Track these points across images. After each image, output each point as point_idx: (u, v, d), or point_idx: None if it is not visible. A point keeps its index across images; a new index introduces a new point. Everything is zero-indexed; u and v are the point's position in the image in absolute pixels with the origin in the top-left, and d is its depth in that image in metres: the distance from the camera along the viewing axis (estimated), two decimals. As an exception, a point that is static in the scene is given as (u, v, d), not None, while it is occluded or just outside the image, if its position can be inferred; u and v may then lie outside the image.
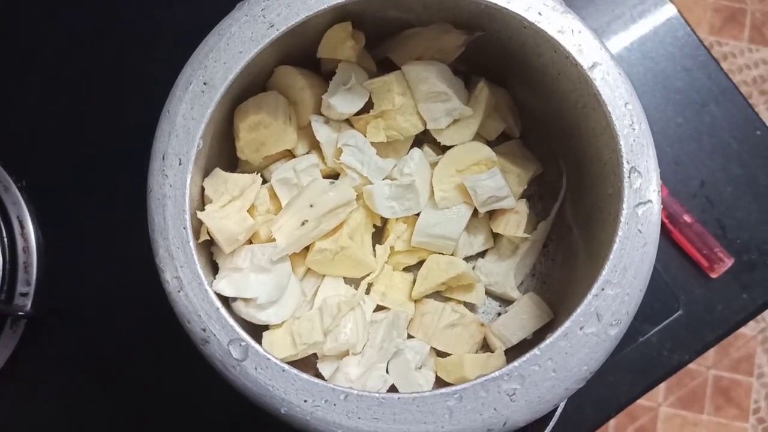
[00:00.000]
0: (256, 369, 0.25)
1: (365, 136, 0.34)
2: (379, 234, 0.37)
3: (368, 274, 0.34)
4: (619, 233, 0.26)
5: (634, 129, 0.27)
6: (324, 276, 0.35)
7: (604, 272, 0.26)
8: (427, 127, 0.34)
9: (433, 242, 0.35)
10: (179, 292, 0.25)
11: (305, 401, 0.24)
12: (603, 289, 0.26)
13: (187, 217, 0.26)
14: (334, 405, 0.24)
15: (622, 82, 0.27)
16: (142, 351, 0.41)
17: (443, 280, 0.34)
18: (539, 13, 0.28)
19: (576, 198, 0.35)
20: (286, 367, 0.25)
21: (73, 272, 0.42)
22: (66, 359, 0.42)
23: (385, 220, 0.36)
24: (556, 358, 0.25)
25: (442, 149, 0.35)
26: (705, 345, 0.45)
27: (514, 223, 0.34)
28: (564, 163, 0.36)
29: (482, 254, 0.37)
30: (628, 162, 0.27)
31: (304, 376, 0.25)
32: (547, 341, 0.25)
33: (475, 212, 0.35)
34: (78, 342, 0.42)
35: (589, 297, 0.25)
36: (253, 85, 0.33)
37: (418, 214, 0.35)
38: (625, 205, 0.26)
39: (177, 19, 0.45)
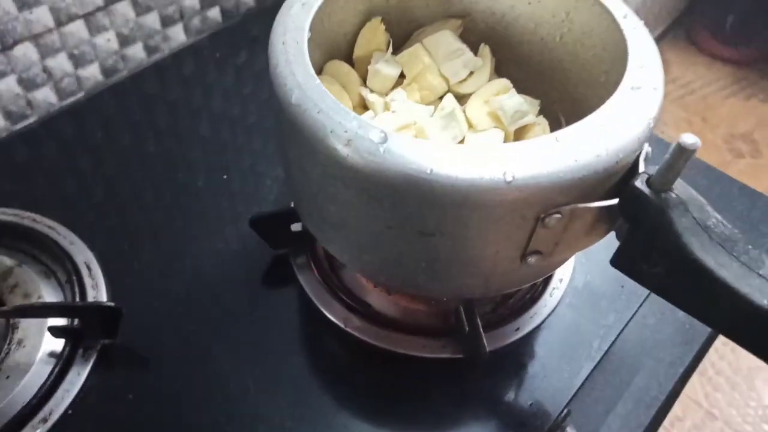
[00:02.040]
0: (399, 146, 0.29)
1: (405, 98, 0.43)
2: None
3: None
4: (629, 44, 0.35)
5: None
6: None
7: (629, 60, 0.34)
8: (450, 83, 0.44)
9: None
10: (318, 113, 0.30)
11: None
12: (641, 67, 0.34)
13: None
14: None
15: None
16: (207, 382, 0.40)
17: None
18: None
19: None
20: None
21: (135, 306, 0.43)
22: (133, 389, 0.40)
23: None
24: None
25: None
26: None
27: (540, 132, 0.42)
28: (560, 110, 0.46)
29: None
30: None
31: (446, 143, 0.29)
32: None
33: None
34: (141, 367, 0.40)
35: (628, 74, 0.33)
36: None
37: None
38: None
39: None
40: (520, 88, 0.44)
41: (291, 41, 0.33)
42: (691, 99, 2.28)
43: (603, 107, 0.31)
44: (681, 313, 0.53)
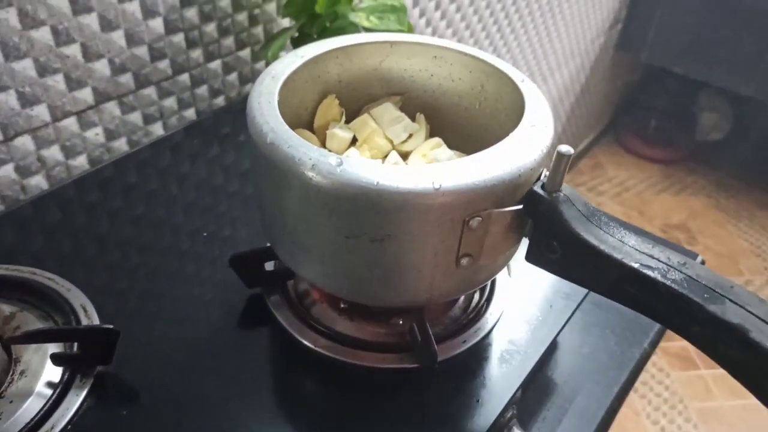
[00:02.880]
0: (352, 166, 0.38)
1: (358, 156, 0.52)
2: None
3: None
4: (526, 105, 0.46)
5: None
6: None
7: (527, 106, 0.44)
8: (394, 143, 0.54)
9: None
10: (288, 147, 0.39)
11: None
12: (534, 112, 0.44)
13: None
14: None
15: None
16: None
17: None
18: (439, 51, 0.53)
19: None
20: (371, 161, 0.38)
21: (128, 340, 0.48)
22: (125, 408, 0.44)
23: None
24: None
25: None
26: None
27: (469, 177, 0.52)
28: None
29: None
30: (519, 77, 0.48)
31: (387, 166, 0.38)
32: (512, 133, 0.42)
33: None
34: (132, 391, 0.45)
35: (526, 116, 0.43)
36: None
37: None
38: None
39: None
40: (452, 148, 0.54)
41: (264, 101, 0.43)
42: (627, 196, 2.48)
43: (507, 138, 0.41)
44: (612, 342, 0.61)
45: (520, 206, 0.40)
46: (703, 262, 0.71)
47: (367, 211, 0.38)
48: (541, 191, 0.38)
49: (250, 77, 0.90)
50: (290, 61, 0.49)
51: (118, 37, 0.70)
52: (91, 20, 0.66)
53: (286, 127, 0.41)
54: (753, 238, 2.24)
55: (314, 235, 0.41)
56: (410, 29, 0.79)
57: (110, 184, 0.68)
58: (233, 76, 0.87)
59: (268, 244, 0.50)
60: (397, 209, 0.37)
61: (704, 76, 2.14)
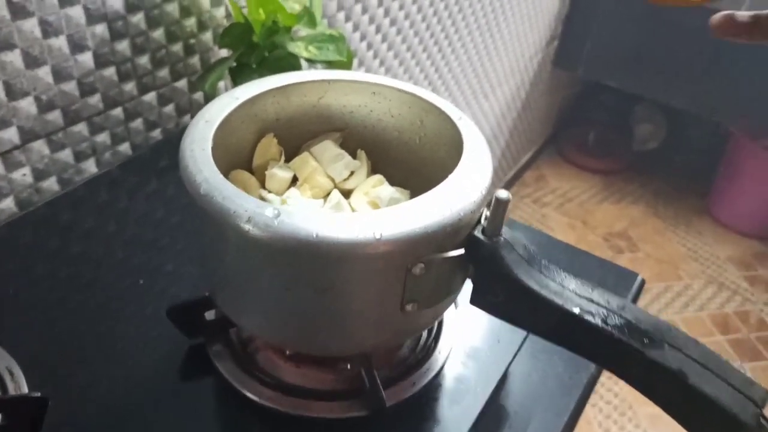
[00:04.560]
0: (290, 217, 0.37)
1: (299, 197, 0.51)
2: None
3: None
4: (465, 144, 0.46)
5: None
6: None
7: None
8: (336, 182, 0.53)
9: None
10: (223, 199, 0.38)
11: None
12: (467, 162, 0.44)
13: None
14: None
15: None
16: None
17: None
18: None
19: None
20: (312, 207, 0.37)
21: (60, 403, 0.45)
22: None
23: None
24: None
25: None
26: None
27: (412, 214, 0.51)
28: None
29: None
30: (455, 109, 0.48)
31: (328, 213, 0.37)
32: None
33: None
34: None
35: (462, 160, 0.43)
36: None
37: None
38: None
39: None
40: (394, 183, 0.54)
41: (198, 148, 0.41)
42: (570, 206, 2.54)
43: (446, 181, 0.41)
44: (560, 368, 0.61)
45: (462, 250, 0.39)
46: (642, 281, 0.73)
47: (308, 263, 0.37)
48: (481, 236, 0.38)
49: (188, 108, 0.87)
50: (225, 102, 0.48)
51: (44, 73, 0.67)
52: (14, 57, 0.63)
53: (221, 176, 0.39)
54: (690, 243, 2.33)
55: (254, 287, 0.40)
56: (350, 58, 0.78)
57: (40, 229, 0.65)
58: (170, 108, 0.84)
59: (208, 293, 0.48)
60: (338, 260, 0.37)
61: (638, 89, 2.23)
